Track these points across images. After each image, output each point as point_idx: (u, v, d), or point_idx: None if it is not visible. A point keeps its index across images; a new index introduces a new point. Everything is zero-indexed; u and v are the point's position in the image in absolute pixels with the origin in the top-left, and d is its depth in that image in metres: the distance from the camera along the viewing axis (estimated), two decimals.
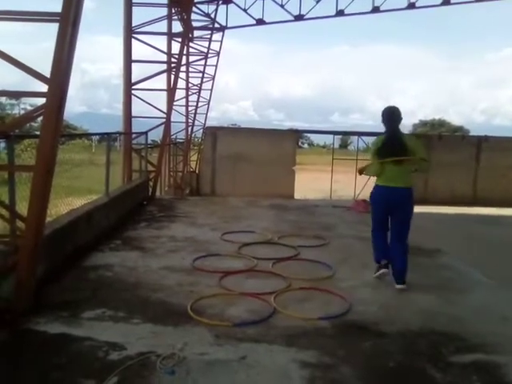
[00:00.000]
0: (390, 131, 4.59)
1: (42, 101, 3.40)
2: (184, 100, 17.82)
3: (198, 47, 16.88)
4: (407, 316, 3.83)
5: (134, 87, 9.72)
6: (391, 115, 4.62)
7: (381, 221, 4.68)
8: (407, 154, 4.43)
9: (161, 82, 12.17)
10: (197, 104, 18.61)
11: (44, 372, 2.77)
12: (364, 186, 17.49)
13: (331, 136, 20.17)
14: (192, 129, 19.24)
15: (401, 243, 4.55)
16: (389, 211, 4.61)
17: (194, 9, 13.25)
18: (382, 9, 13.95)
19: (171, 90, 10.75)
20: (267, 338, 3.32)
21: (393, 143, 4.51)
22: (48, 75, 3.31)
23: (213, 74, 18.72)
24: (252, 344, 3.22)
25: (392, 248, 4.60)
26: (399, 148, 4.45)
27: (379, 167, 4.53)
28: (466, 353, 3.23)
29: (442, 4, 13.87)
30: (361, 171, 4.92)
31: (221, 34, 16.53)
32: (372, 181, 4.94)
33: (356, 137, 20.14)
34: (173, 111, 11.38)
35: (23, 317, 3.41)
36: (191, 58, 17.19)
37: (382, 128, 4.68)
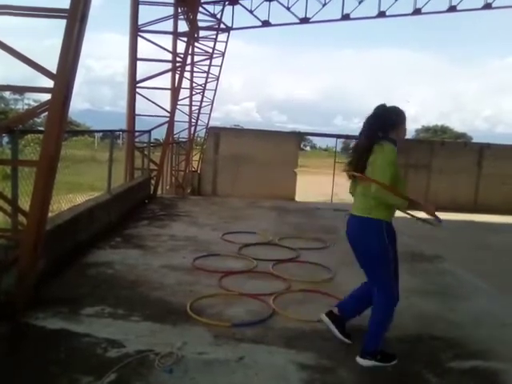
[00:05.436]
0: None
1: (46, 97, 3.40)
2: (188, 99, 17.85)
3: (203, 47, 16.92)
4: (406, 321, 3.82)
5: (138, 85, 9.73)
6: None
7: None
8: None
9: (165, 80, 12.21)
10: (200, 104, 18.62)
11: (42, 367, 2.77)
12: None
13: (334, 139, 20.18)
14: (195, 128, 19.25)
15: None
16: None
17: (200, 9, 13.28)
18: (387, 14, 13.97)
19: (175, 90, 10.79)
20: (266, 339, 3.33)
21: None
22: (54, 71, 3.31)
23: (217, 75, 18.74)
24: (250, 345, 3.22)
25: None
26: None
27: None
28: (464, 359, 3.22)
29: (448, 11, 13.89)
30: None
31: (226, 34, 16.57)
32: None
33: None
34: (176, 110, 11.38)
35: (23, 311, 3.42)
36: (196, 58, 17.20)
37: None
